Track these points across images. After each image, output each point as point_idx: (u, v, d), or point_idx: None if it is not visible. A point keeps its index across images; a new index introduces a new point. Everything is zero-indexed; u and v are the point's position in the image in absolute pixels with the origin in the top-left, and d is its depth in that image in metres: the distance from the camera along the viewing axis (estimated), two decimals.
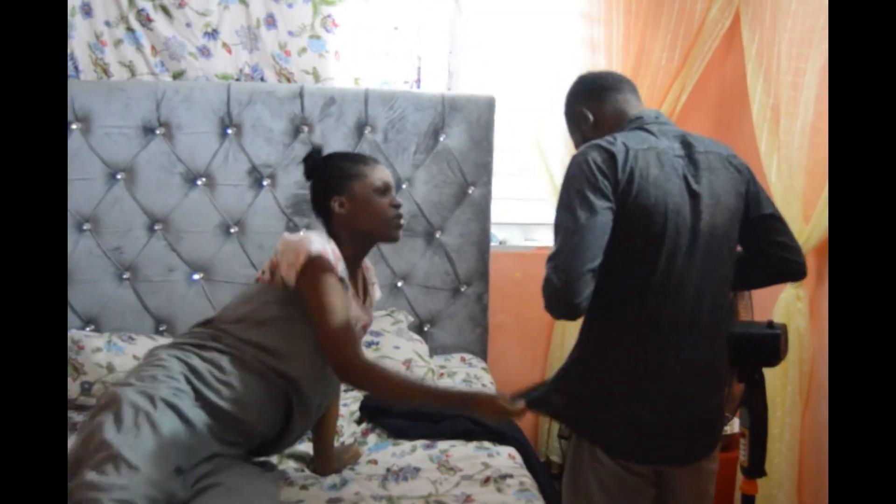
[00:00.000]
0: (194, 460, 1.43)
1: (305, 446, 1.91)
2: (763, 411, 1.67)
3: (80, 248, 2.42)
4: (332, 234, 1.70)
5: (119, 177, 2.44)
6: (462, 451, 1.93)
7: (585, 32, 2.62)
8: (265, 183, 2.53)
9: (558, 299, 1.29)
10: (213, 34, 2.55)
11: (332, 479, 1.78)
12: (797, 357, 2.19)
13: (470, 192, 2.63)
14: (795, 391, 2.21)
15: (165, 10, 2.50)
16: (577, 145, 1.53)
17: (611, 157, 1.34)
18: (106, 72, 2.51)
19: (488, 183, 2.64)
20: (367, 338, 2.20)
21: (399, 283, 2.64)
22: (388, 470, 1.84)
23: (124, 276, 2.47)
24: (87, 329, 2.44)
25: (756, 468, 1.70)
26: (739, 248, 1.52)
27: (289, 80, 2.59)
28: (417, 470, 1.83)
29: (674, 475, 1.48)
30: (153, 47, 2.53)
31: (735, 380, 1.68)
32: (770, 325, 1.64)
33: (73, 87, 2.38)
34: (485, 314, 2.70)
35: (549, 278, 1.30)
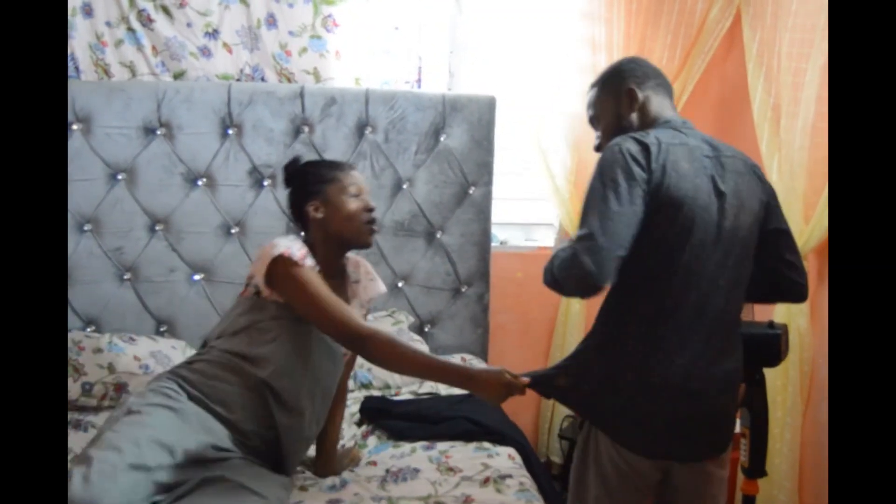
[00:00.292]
0: (190, 444, 1.49)
1: None
2: (764, 411, 1.67)
3: (80, 249, 2.42)
4: (309, 240, 1.74)
5: (120, 177, 2.44)
6: (462, 452, 1.93)
7: (586, 32, 2.62)
8: (266, 183, 2.53)
9: (587, 280, 1.29)
10: (213, 34, 2.55)
11: (332, 480, 1.79)
12: (797, 357, 2.20)
13: (471, 192, 2.63)
14: (796, 391, 2.21)
15: (166, 11, 2.51)
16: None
17: (645, 148, 1.36)
18: (107, 72, 2.52)
19: (489, 183, 2.64)
20: None
21: (400, 284, 2.63)
22: (388, 471, 1.84)
23: (125, 277, 2.47)
24: (88, 329, 2.44)
25: (757, 468, 1.70)
26: None
27: (289, 81, 2.60)
28: (417, 471, 1.83)
29: (680, 477, 1.47)
30: (154, 47, 2.53)
31: None
32: (770, 325, 1.64)
33: (73, 87, 2.39)
34: (485, 314, 2.70)
35: (577, 257, 1.29)
